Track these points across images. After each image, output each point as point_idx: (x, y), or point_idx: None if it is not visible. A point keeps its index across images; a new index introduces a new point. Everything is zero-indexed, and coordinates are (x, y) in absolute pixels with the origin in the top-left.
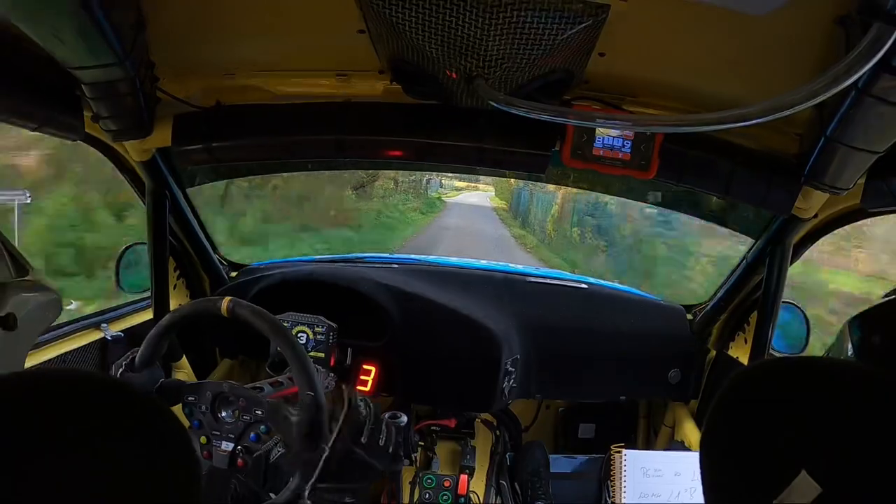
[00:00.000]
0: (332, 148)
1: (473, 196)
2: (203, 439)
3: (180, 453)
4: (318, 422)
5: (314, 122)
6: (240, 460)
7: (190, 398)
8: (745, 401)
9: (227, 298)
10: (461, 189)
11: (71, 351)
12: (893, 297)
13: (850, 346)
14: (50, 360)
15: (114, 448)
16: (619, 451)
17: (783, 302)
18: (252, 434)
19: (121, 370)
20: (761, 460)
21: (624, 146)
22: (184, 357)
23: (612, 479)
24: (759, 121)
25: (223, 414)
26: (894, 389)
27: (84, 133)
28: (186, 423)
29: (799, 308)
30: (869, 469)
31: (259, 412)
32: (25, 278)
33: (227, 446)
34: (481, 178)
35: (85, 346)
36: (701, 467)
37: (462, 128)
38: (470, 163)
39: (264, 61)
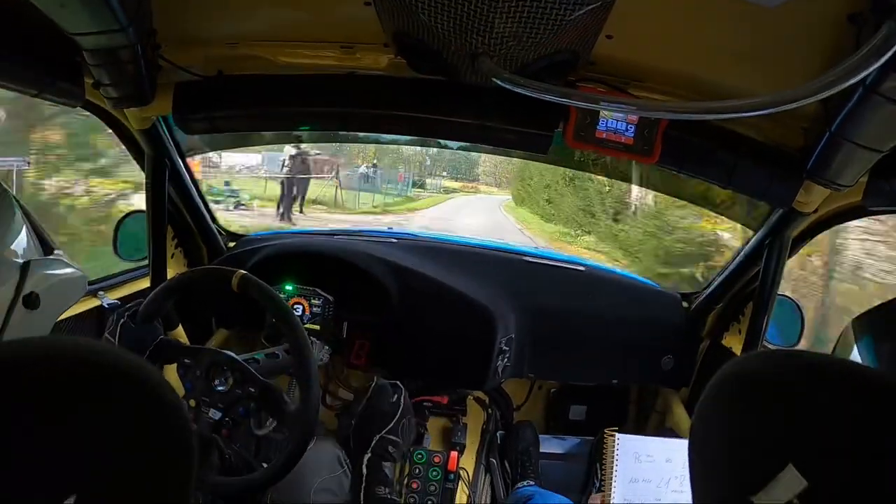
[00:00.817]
0: (334, 120)
1: (470, 205)
2: (192, 402)
3: (174, 423)
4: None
5: (317, 94)
6: (225, 430)
7: (186, 361)
8: (735, 391)
9: (239, 273)
10: (453, 192)
11: (68, 318)
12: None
13: (854, 346)
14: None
15: (105, 418)
16: (612, 435)
17: (778, 295)
18: (241, 408)
19: (122, 321)
20: (749, 451)
21: (627, 130)
22: (180, 327)
23: (603, 461)
24: (764, 112)
25: (216, 382)
26: (884, 387)
27: (84, 100)
28: (180, 384)
29: (794, 302)
30: (854, 466)
31: (252, 389)
32: (50, 257)
33: (216, 415)
34: (481, 176)
35: (81, 313)
36: (689, 455)
37: (465, 104)
38: (472, 139)
39: (268, 31)
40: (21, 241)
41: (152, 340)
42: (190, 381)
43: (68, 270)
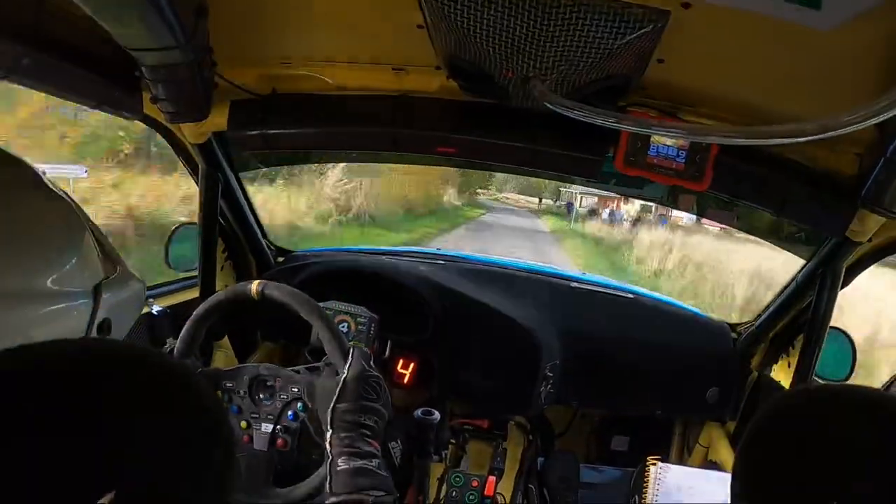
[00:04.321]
0: (386, 141)
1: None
2: (243, 424)
3: (218, 427)
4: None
5: (369, 115)
6: (280, 440)
7: (227, 384)
8: (783, 426)
9: (257, 281)
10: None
11: None
12: None
13: None
14: None
15: (153, 422)
16: (655, 463)
17: (831, 327)
18: (290, 413)
19: None
20: (794, 490)
21: (678, 156)
22: (226, 337)
23: (644, 490)
24: (818, 137)
25: (261, 396)
26: None
27: (143, 113)
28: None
29: (846, 335)
30: None
31: (295, 389)
32: (115, 275)
33: (267, 428)
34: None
35: None
36: (732, 490)
37: (516, 128)
38: (523, 163)
39: (321, 52)
40: (93, 263)
41: None
42: (235, 403)
43: (132, 284)
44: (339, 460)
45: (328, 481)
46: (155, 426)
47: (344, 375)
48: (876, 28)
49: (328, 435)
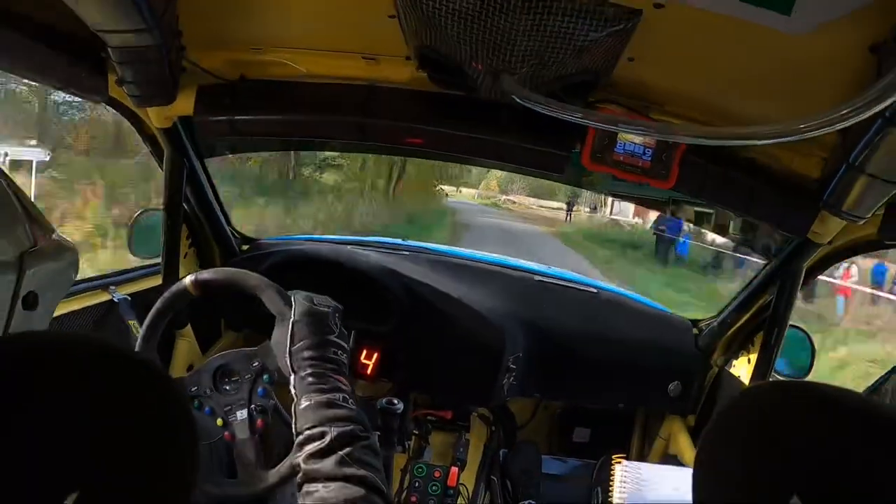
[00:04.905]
0: (353, 131)
1: None
2: (219, 422)
3: (180, 417)
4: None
5: (338, 103)
6: (259, 420)
7: (192, 389)
8: (743, 421)
9: (190, 276)
10: None
11: (77, 311)
12: None
13: None
14: (56, 319)
15: (109, 414)
16: (619, 462)
17: (790, 325)
18: (259, 389)
19: None
20: (754, 483)
21: (645, 153)
22: (189, 326)
23: (609, 490)
24: (783, 140)
25: (227, 387)
26: (889, 422)
27: (108, 96)
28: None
29: (805, 332)
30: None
31: (255, 364)
32: (42, 244)
33: (243, 414)
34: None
35: (91, 306)
36: (693, 483)
37: (484, 121)
38: (489, 156)
39: (292, 38)
40: (16, 231)
41: None
42: (206, 403)
43: (62, 253)
44: (303, 399)
45: (293, 422)
46: (117, 422)
47: (291, 319)
48: (843, 37)
49: (291, 379)
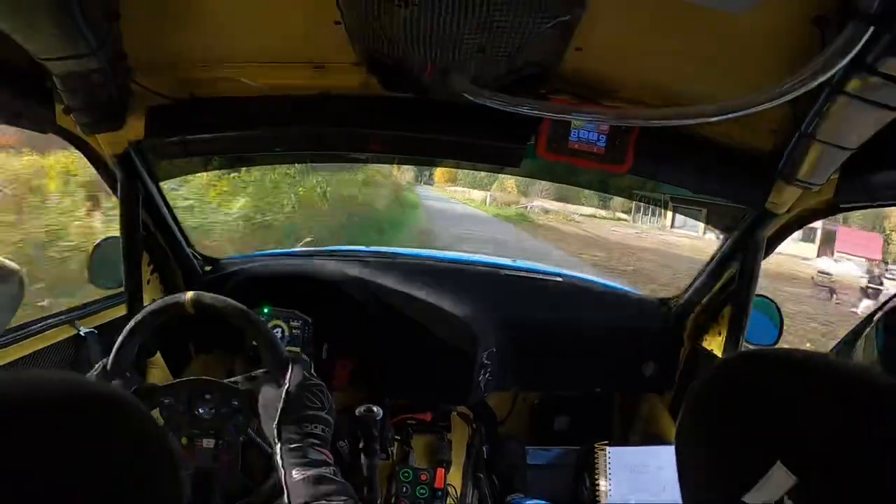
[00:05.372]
0: (307, 141)
1: None
2: (184, 440)
3: (159, 453)
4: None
5: (291, 115)
6: (223, 454)
7: (165, 400)
8: (720, 393)
9: (189, 293)
10: None
11: (43, 349)
12: None
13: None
14: (22, 359)
15: (87, 453)
16: (603, 449)
17: (756, 295)
18: (232, 426)
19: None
20: (736, 452)
21: (599, 140)
22: (158, 353)
23: (596, 476)
24: (734, 115)
25: (200, 411)
26: (865, 383)
27: (55, 125)
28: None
29: (772, 301)
30: (842, 461)
31: (235, 402)
32: None
33: (209, 443)
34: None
35: (58, 342)
36: (676, 459)
37: (437, 121)
38: (445, 155)
39: (239, 52)
40: None
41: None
42: (175, 420)
43: (5, 278)
44: (294, 472)
45: (285, 495)
46: (90, 466)
47: (286, 386)
48: (784, 12)
49: (277, 448)
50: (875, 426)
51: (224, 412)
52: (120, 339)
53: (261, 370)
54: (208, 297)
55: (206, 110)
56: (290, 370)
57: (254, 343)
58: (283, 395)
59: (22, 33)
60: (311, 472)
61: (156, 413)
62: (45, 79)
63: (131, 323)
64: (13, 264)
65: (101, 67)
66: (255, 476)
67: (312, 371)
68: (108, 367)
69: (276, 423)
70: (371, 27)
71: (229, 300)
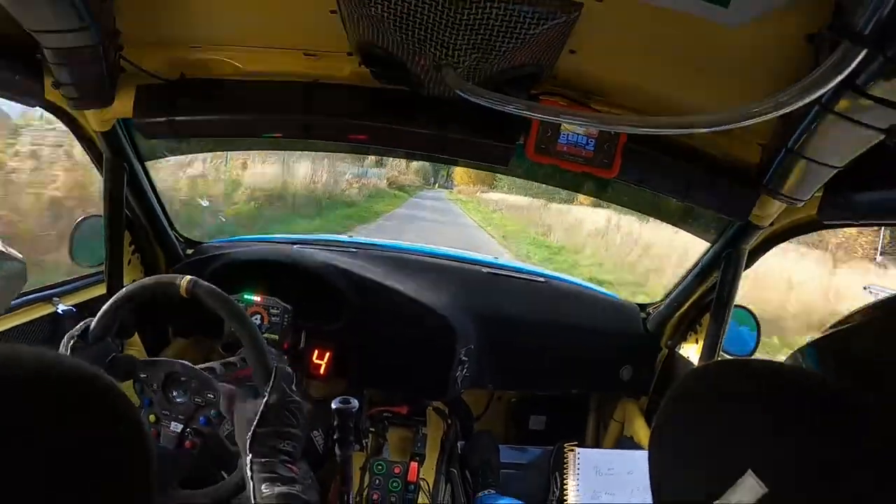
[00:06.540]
0: (297, 128)
1: None
2: (152, 417)
3: (132, 434)
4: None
5: (279, 101)
6: (188, 442)
7: (142, 375)
8: (694, 400)
9: (188, 278)
10: None
11: (20, 325)
12: (841, 327)
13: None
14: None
15: (59, 431)
16: (572, 450)
17: (735, 305)
18: (202, 417)
19: (72, 341)
20: (708, 459)
21: (588, 144)
22: (136, 334)
23: (564, 477)
24: (723, 128)
25: (174, 394)
26: (835, 394)
27: (44, 99)
28: (136, 400)
29: (751, 312)
30: (811, 472)
31: (211, 395)
32: None
33: (177, 427)
34: None
35: (35, 320)
36: (649, 464)
37: (428, 115)
38: (434, 150)
39: (232, 35)
40: None
41: (105, 358)
42: (147, 396)
43: (8, 262)
44: (263, 486)
45: None
46: (68, 440)
47: (266, 399)
48: (780, 27)
49: (247, 458)
50: (814, 425)
51: (198, 401)
52: (108, 304)
53: (237, 356)
54: (206, 287)
55: (196, 92)
56: (271, 381)
57: (231, 329)
58: (262, 408)
59: (13, 4)
60: (280, 489)
61: (129, 385)
62: (35, 51)
63: (123, 291)
64: (16, 252)
65: (92, 43)
66: (214, 470)
67: (294, 387)
68: (91, 330)
69: (249, 433)
70: (367, 18)
71: (226, 296)
